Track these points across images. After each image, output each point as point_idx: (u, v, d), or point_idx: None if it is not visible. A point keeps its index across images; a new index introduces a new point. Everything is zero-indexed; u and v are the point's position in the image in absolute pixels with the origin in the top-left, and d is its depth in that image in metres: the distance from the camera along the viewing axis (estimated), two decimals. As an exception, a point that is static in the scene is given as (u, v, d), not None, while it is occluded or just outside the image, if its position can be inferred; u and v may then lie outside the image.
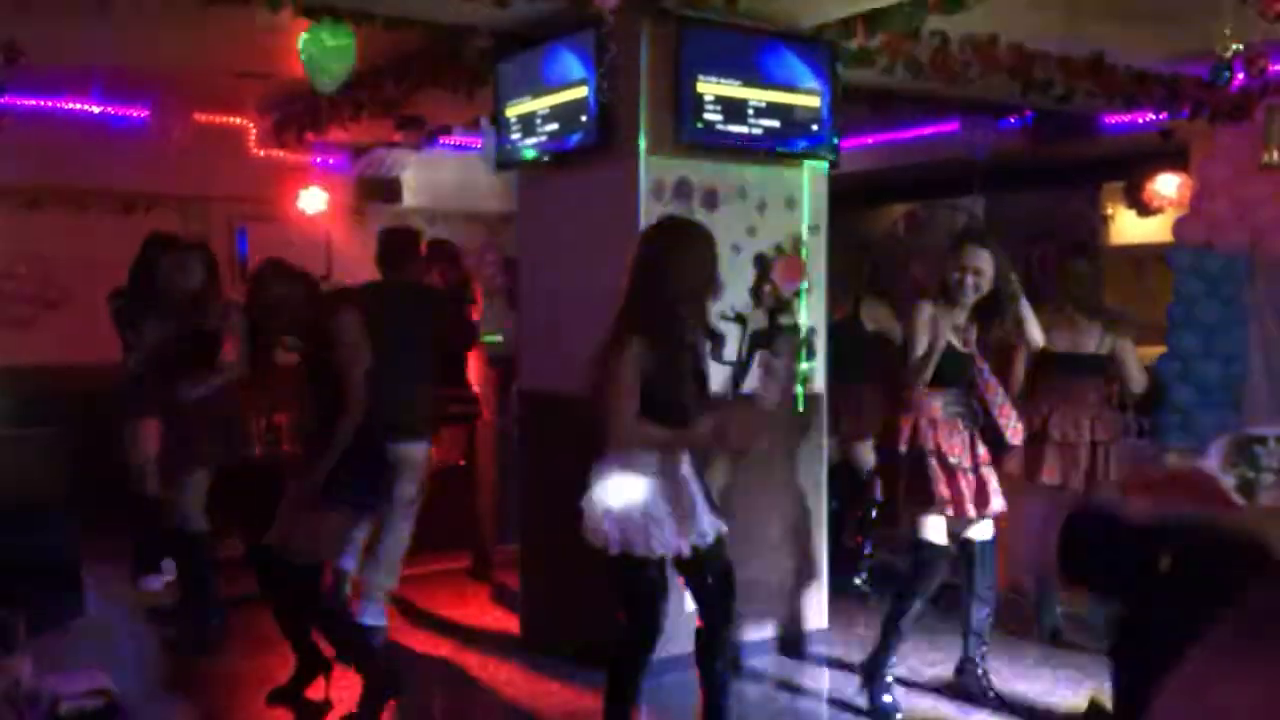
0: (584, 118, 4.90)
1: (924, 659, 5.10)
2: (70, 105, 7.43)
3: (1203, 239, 6.57)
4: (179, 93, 7.23)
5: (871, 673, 4.53)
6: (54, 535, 4.61)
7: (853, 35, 5.05)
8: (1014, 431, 4.53)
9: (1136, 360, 5.40)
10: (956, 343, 4.44)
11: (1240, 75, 5.17)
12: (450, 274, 6.86)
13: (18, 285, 7.75)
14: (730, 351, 4.52)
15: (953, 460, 4.35)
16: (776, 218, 5.17)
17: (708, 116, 4.83)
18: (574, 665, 4.86)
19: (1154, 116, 6.72)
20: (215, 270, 5.54)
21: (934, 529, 4.40)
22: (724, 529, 3.66)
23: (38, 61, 5.53)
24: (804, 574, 5.38)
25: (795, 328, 5.22)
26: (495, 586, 6.43)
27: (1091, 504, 0.84)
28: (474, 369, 6.82)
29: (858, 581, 6.25)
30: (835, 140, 5.21)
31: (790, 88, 5.03)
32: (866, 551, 6.33)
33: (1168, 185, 7.50)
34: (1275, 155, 5.62)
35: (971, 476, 4.40)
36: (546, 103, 5.13)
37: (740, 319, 4.64)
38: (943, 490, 4.32)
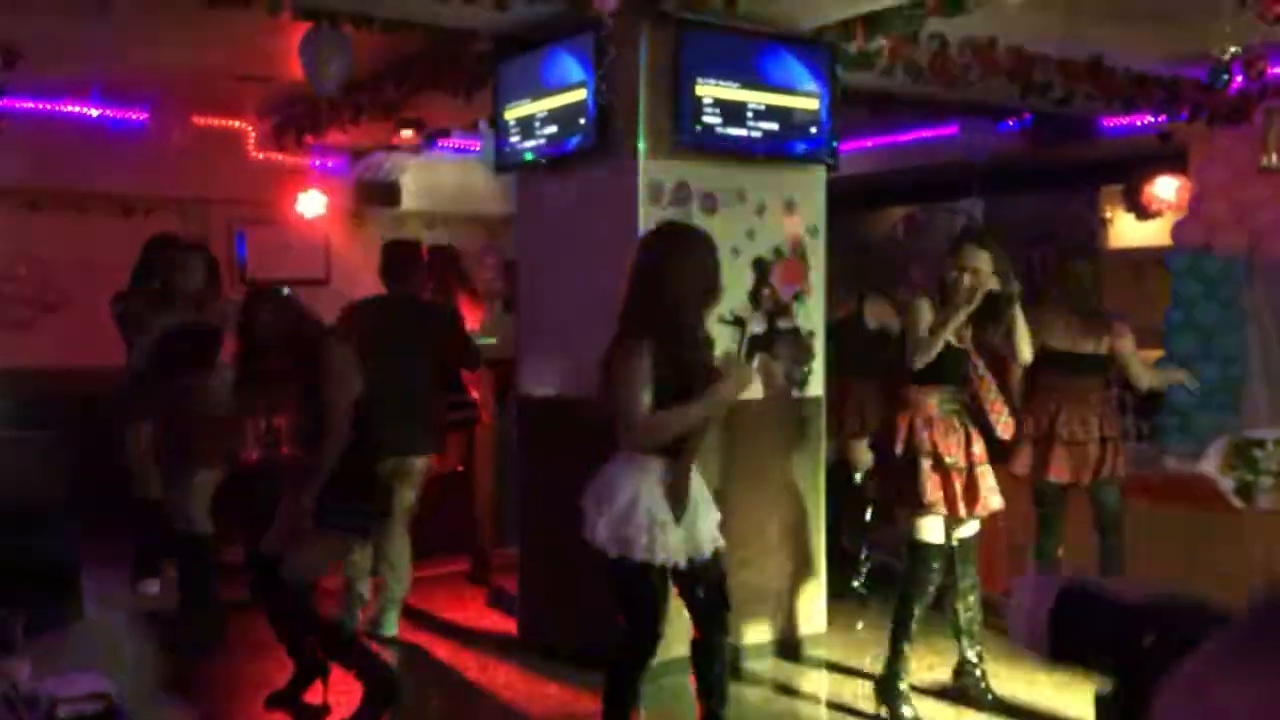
0: (583, 120, 4.90)
1: (922, 662, 5.09)
2: (70, 108, 7.43)
3: (1201, 242, 6.58)
4: (178, 95, 7.23)
5: (888, 687, 4.49)
6: (53, 538, 4.61)
7: (852, 38, 5.05)
8: (1004, 426, 4.52)
9: (1138, 358, 5.40)
10: (953, 339, 4.44)
11: (1239, 78, 5.17)
12: (448, 283, 6.76)
13: (17, 288, 7.75)
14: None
15: (949, 460, 4.35)
16: (775, 221, 5.17)
17: (707, 119, 4.84)
18: (572, 668, 4.85)
19: (1153, 119, 6.73)
20: (216, 270, 5.56)
21: (928, 529, 4.40)
22: (721, 543, 3.67)
23: (37, 64, 5.54)
24: (802, 577, 5.38)
25: (795, 331, 5.22)
26: (494, 589, 6.42)
27: (1080, 584, 0.84)
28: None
29: (856, 584, 6.24)
30: (834, 143, 5.21)
31: (789, 90, 5.03)
32: (864, 555, 6.32)
33: (1166, 188, 7.51)
34: (1274, 158, 5.63)
35: (965, 476, 4.39)
36: (545, 105, 5.13)
37: (739, 322, 4.63)
38: (935, 493, 4.33)
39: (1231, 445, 5.26)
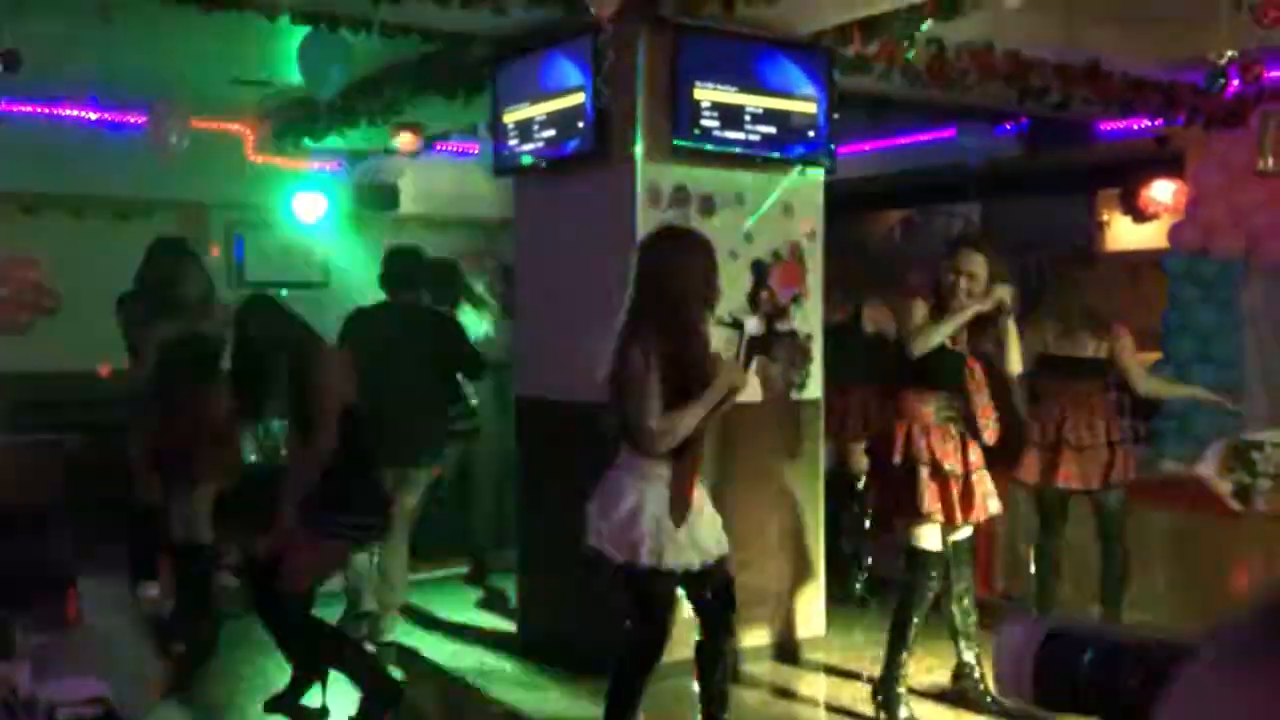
0: (581, 124, 4.91)
1: (920, 665, 5.08)
2: (67, 112, 7.42)
3: (1198, 245, 6.59)
4: (176, 99, 7.21)
5: (885, 690, 4.50)
6: (51, 541, 4.60)
7: (849, 42, 5.06)
8: (990, 433, 4.51)
9: (1136, 361, 5.39)
10: (948, 343, 4.44)
11: (1235, 82, 5.18)
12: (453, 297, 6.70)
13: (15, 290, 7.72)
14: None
15: (947, 467, 4.35)
16: (773, 224, 5.17)
17: (705, 123, 4.84)
18: (572, 670, 4.85)
19: (1149, 123, 6.73)
20: (210, 278, 5.56)
21: (927, 537, 4.41)
22: (726, 546, 3.68)
23: (36, 68, 5.53)
24: (800, 580, 5.37)
25: (793, 334, 5.23)
26: (493, 592, 6.42)
27: (1066, 628, 0.83)
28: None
29: (856, 587, 6.24)
30: (832, 146, 5.22)
31: (787, 94, 5.04)
32: (863, 558, 6.32)
33: (1163, 191, 7.51)
34: (1270, 161, 5.63)
35: (962, 482, 4.39)
36: (544, 109, 5.13)
37: (737, 324, 4.63)
38: (933, 503, 4.33)
39: (1229, 448, 5.26)
